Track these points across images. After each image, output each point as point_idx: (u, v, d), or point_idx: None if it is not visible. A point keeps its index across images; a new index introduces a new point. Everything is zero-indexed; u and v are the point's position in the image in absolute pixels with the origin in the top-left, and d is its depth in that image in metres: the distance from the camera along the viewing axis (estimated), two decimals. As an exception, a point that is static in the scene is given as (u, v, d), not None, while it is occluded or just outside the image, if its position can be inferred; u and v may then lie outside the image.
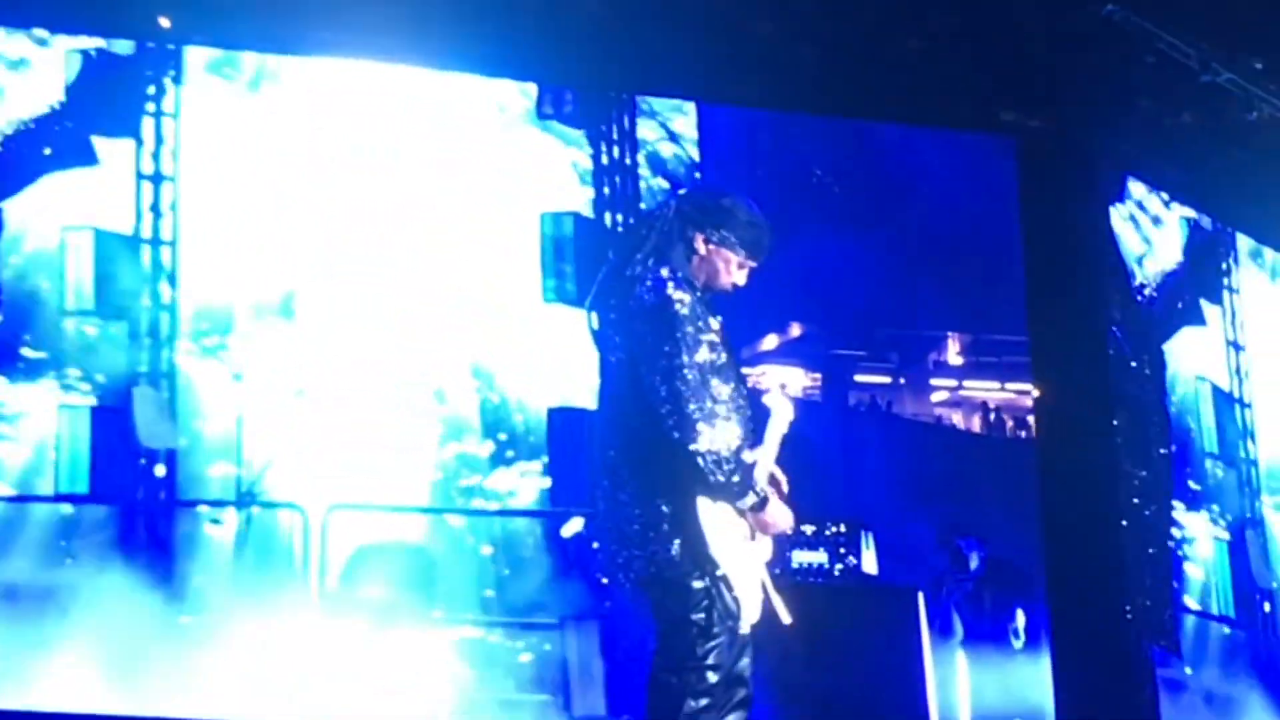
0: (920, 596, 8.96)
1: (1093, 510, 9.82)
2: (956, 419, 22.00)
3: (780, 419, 5.60)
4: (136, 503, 9.08)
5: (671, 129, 11.21)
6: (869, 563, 9.48)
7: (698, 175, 11.25)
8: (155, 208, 9.50)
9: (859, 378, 20.25)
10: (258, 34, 9.56)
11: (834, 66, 9.70)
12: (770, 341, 18.42)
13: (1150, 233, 11.67)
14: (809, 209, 14.49)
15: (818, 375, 19.17)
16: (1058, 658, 9.64)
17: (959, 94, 10.08)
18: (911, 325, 19.94)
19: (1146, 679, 10.10)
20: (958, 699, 10.27)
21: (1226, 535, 11.75)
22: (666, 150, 11.19)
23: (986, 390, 21.44)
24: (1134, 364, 10.89)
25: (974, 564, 11.02)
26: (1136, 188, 11.60)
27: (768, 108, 11.62)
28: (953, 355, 22.70)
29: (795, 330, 18.59)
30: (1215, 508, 11.75)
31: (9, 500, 8.81)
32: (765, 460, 5.54)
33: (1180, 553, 11.08)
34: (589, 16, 9.22)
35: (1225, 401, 12.04)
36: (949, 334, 22.05)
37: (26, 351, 9.02)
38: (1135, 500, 10.46)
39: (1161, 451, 10.93)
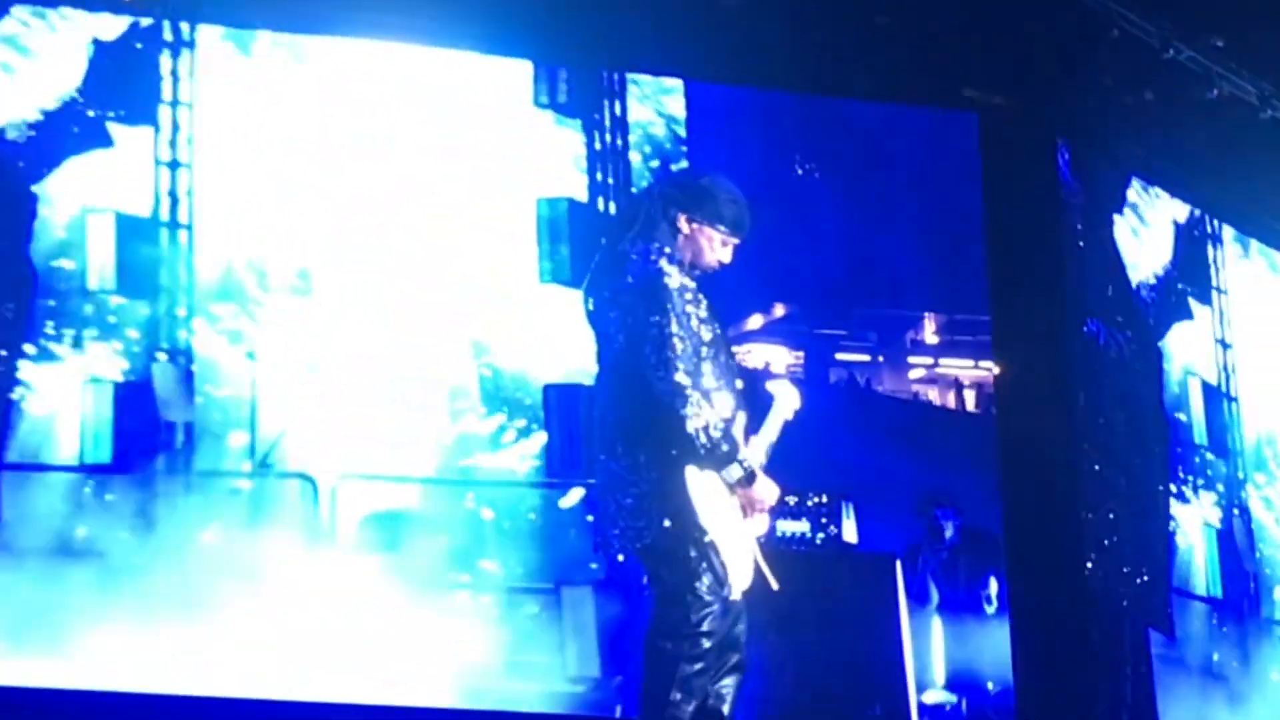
0: (898, 564, 9.15)
1: (1051, 484, 9.86)
2: (932, 395, 22.06)
3: (785, 406, 5.76)
4: (156, 472, 9.21)
5: (662, 113, 11.31)
6: (849, 532, 9.62)
7: (684, 149, 11.29)
8: (173, 193, 9.62)
9: (839, 356, 20.27)
10: (250, 9, 9.74)
11: (799, 42, 9.60)
12: (755, 321, 18.49)
13: (1143, 234, 11.68)
14: (793, 191, 14.59)
15: (800, 353, 19.22)
16: (1016, 624, 9.76)
17: (922, 70, 9.97)
18: (889, 305, 19.98)
19: (1142, 657, 10.24)
20: (933, 661, 10.45)
21: (1216, 522, 11.90)
22: (656, 134, 11.27)
23: (960, 368, 21.48)
24: (1138, 366, 10.92)
25: (949, 533, 11.13)
26: (1132, 192, 11.57)
27: (731, 83, 11.53)
28: (929, 334, 22.74)
29: (779, 310, 18.64)
30: (1206, 496, 11.89)
31: (36, 469, 8.93)
32: (762, 442, 5.71)
33: (1175, 540, 11.23)
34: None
35: (1214, 395, 12.18)
36: (925, 314, 22.08)
37: (51, 329, 9.13)
38: (1134, 491, 10.56)
39: (1159, 446, 11.02)
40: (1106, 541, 10.28)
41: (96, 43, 9.44)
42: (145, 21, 9.62)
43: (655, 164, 11.06)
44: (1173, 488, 11.37)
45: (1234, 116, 10.56)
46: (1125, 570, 10.35)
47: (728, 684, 5.67)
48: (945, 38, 9.72)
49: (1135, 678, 10.15)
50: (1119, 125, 10.63)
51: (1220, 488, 12.02)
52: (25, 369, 8.84)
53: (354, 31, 9.93)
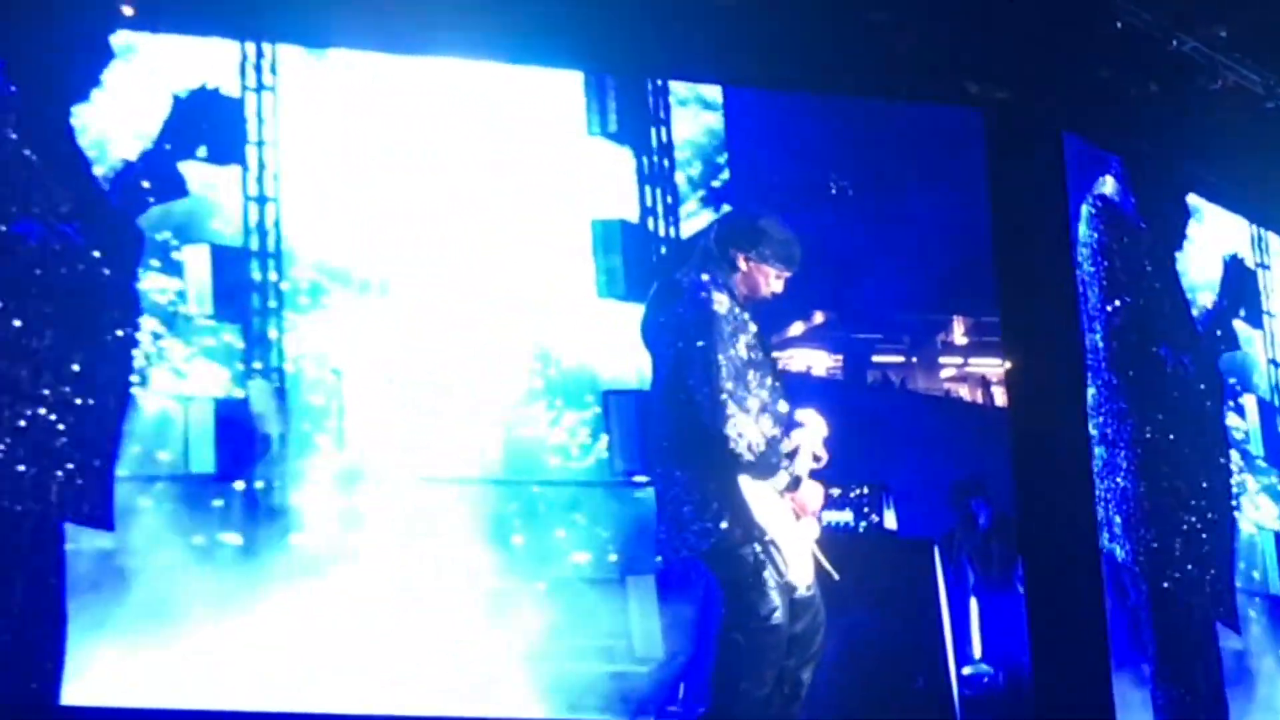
0: (935, 549, 9.30)
1: (1062, 474, 9.76)
2: (963, 392, 22.07)
3: (812, 434, 6.00)
4: (255, 480, 9.55)
5: (704, 127, 11.56)
6: (890, 520, 9.84)
7: (723, 160, 11.57)
8: (260, 225, 10.01)
9: (876, 358, 20.31)
10: (320, 30, 9.77)
11: (797, 41, 9.38)
12: (797, 328, 18.60)
13: (1199, 264, 11.46)
14: (828, 203, 14.71)
15: (839, 357, 19.31)
16: (1030, 606, 9.74)
17: (924, 67, 9.69)
18: (922, 309, 20.05)
19: (1211, 649, 10.19)
20: (970, 636, 10.67)
21: (1273, 527, 12.06)
22: (700, 153, 11.55)
23: (988, 366, 21.48)
24: (1202, 386, 10.76)
25: (982, 520, 11.35)
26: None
27: (730, 84, 11.31)
28: (958, 336, 22.79)
29: (818, 318, 18.73)
30: (1265, 503, 12.05)
31: (148, 480, 9.20)
32: (804, 454, 5.98)
33: (1237, 542, 11.15)
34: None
35: (1268, 411, 12.33)
36: (955, 316, 22.14)
37: (155, 352, 9.44)
38: (1200, 500, 10.42)
39: (1221, 459, 10.90)
40: (1177, 548, 10.25)
41: (186, 89, 9.67)
42: (229, 73, 9.91)
43: (700, 184, 11.35)
44: (1236, 497, 11.32)
45: (1237, 105, 10.31)
46: (1192, 570, 10.31)
47: (808, 672, 5.94)
48: (947, 34, 9.51)
49: (1205, 669, 10.12)
50: (1124, 118, 10.30)
51: (1276, 497, 12.16)
52: (134, 390, 9.10)
53: (400, 50, 10.00)
